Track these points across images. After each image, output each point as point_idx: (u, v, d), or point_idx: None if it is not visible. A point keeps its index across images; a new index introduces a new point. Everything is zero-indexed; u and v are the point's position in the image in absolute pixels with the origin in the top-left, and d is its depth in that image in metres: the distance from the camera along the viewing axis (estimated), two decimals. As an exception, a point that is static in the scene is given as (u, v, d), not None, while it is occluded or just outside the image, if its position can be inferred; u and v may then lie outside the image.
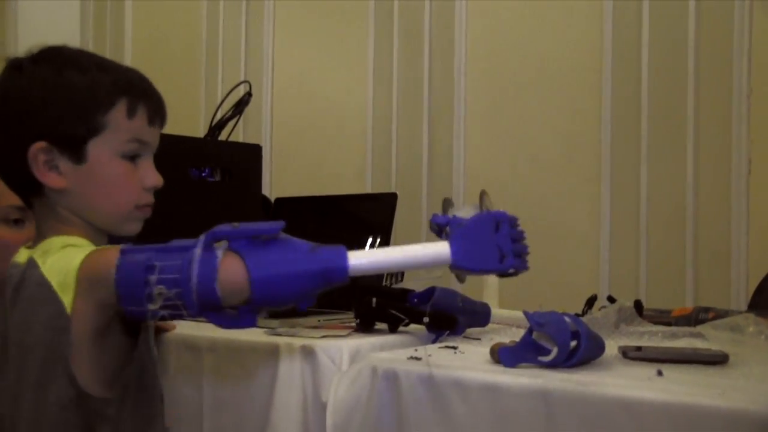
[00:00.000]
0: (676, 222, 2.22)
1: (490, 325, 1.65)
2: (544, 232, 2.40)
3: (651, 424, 1.02)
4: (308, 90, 2.99)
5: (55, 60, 1.10)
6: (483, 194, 1.02)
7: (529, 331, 1.22)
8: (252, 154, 2.27)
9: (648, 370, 1.16)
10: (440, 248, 0.92)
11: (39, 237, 1.10)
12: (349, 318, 1.64)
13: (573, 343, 1.19)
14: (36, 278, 1.02)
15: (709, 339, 1.46)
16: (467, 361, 1.30)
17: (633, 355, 1.28)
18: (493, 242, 0.93)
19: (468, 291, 1.66)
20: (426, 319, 1.53)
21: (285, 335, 1.50)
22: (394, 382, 1.25)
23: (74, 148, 1.07)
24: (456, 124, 2.60)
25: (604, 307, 1.70)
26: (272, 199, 2.29)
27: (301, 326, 1.59)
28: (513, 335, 1.50)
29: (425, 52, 2.68)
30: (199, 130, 2.83)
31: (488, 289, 1.82)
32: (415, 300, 1.57)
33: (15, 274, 1.06)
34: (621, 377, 1.14)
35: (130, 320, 0.97)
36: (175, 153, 2.01)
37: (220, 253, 0.88)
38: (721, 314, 1.63)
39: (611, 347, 1.32)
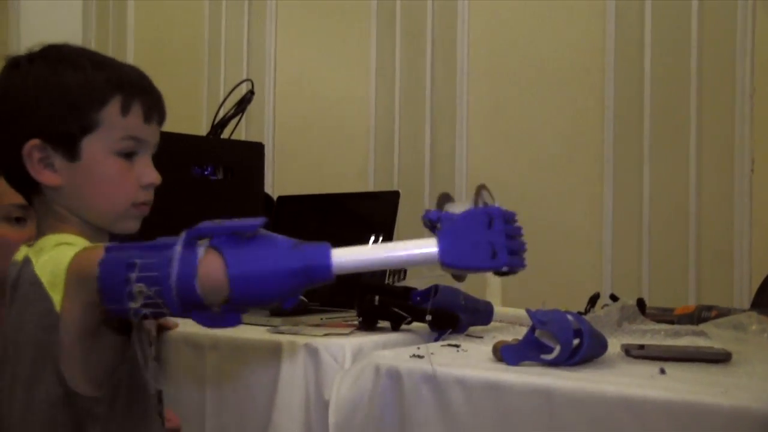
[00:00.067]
0: (679, 220, 2.22)
1: (492, 324, 1.65)
2: (546, 231, 2.40)
3: (654, 422, 1.02)
4: (311, 89, 2.99)
5: (51, 58, 1.10)
6: (480, 189, 0.97)
7: (532, 330, 1.22)
8: (254, 152, 2.27)
9: (651, 369, 1.16)
10: (427, 245, 0.87)
11: (38, 235, 1.10)
12: (352, 316, 1.64)
13: (576, 342, 1.20)
14: (29, 276, 1.02)
15: (711, 337, 1.46)
16: (470, 359, 1.30)
17: (636, 353, 1.28)
18: (484, 239, 0.87)
19: (470, 289, 1.66)
20: (428, 318, 1.53)
21: (288, 333, 1.50)
22: (397, 380, 1.25)
23: (68, 146, 1.07)
24: (458, 123, 2.60)
25: (606, 305, 1.70)
26: (274, 198, 2.29)
27: (303, 324, 1.59)
28: (515, 333, 1.50)
29: (427, 51, 2.68)
30: (201, 128, 2.83)
31: (491, 287, 1.82)
32: (418, 298, 1.57)
33: (13, 272, 1.06)
34: (624, 375, 1.14)
35: (113, 318, 0.96)
36: (177, 151, 2.01)
37: (201, 250, 0.86)
38: (723, 312, 1.63)
39: (614, 345, 1.32)
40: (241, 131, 2.73)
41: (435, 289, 1.56)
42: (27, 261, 1.03)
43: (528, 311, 1.24)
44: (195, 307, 0.87)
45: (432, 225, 0.88)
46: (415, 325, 1.55)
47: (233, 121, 2.29)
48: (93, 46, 3.48)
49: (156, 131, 1.13)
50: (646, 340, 1.43)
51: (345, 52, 2.90)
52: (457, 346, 1.41)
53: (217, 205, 2.08)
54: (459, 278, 1.04)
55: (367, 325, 1.56)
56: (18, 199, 1.19)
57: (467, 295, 1.61)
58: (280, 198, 2.24)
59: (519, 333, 1.43)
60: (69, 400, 1.00)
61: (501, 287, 1.82)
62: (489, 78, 2.58)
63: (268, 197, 2.35)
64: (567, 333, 1.19)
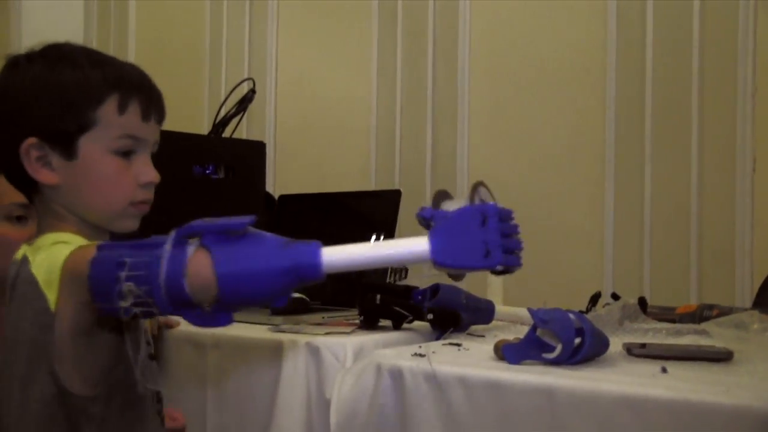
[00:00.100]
0: (681, 220, 2.22)
1: (494, 322, 1.65)
2: (548, 230, 2.40)
3: (655, 421, 1.02)
4: (312, 88, 2.99)
5: (49, 57, 1.10)
6: (477, 186, 0.94)
7: (533, 328, 1.22)
8: (256, 151, 2.28)
9: (652, 367, 1.16)
10: (419, 243, 0.85)
11: (38, 233, 1.10)
12: (353, 315, 1.64)
13: (577, 340, 1.19)
14: (26, 275, 1.02)
15: (713, 336, 1.46)
16: (471, 358, 1.30)
17: (637, 352, 1.27)
18: (478, 237, 0.84)
19: (472, 288, 1.66)
20: (430, 316, 1.53)
21: (289, 332, 1.50)
22: (398, 378, 1.25)
23: (65, 144, 1.06)
24: (459, 122, 2.60)
25: (608, 304, 1.70)
26: (276, 197, 2.29)
27: (305, 323, 1.59)
28: (517, 332, 1.50)
29: (429, 51, 2.68)
30: (203, 127, 2.83)
31: (492, 286, 1.82)
32: (419, 297, 1.57)
33: (13, 271, 1.06)
34: (625, 374, 1.14)
35: (106, 317, 0.95)
36: (179, 150, 2.02)
37: (191, 249, 0.85)
38: (725, 311, 1.63)
39: (615, 344, 1.32)
40: (243, 130, 2.74)
41: (436, 287, 1.56)
42: (25, 260, 1.03)
43: (529, 310, 1.24)
44: (184, 305, 0.86)
45: (426, 223, 0.86)
46: (417, 323, 1.55)
47: (234, 120, 2.30)
48: (94, 45, 3.48)
49: (155, 130, 1.12)
50: (647, 339, 1.43)
51: (346, 51, 2.90)
52: (458, 344, 1.41)
53: (219, 204, 2.08)
54: (456, 277, 1.02)
55: (369, 323, 1.56)
56: (19, 198, 1.19)
57: (468, 294, 1.61)
58: (281, 197, 2.24)
59: (520, 332, 1.43)
60: (63, 399, 0.99)
61: (502, 286, 1.82)
62: (490, 77, 2.58)
63: (269, 196, 2.35)
64: (569, 332, 1.19)
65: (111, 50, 3.37)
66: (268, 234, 0.87)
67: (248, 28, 3.14)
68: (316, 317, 1.65)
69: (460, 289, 1.60)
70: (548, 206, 2.42)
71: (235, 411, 1.51)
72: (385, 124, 2.76)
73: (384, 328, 1.55)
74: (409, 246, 0.85)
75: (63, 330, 0.97)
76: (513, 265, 0.87)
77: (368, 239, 1.77)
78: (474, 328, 1.59)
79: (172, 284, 0.84)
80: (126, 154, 1.09)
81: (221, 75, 3.18)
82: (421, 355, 1.28)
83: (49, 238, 1.05)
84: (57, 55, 1.09)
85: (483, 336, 1.52)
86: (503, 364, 1.21)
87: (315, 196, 2.17)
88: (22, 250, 1.07)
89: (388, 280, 1.80)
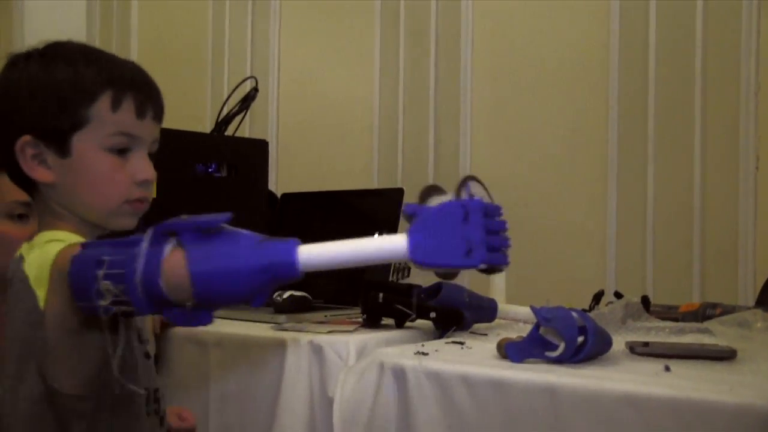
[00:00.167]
0: (683, 218, 2.22)
1: (496, 321, 1.65)
2: (551, 229, 2.40)
3: (658, 419, 1.02)
4: (315, 87, 2.99)
5: (46, 55, 1.09)
6: (466, 180, 0.88)
7: (536, 327, 1.22)
8: (258, 149, 2.28)
9: (655, 366, 1.16)
10: (397, 241, 0.81)
11: (38, 232, 1.10)
12: (356, 313, 1.64)
13: (580, 339, 1.19)
14: (19, 273, 1.01)
15: (716, 335, 1.46)
16: (474, 356, 1.30)
17: (640, 350, 1.27)
18: (459, 234, 0.80)
19: (475, 286, 1.66)
20: (433, 315, 1.53)
21: (292, 330, 1.50)
22: (401, 377, 1.25)
23: (59, 142, 1.06)
24: (462, 121, 2.60)
25: (611, 302, 1.70)
26: (278, 195, 2.29)
27: (307, 321, 1.59)
28: (520, 331, 1.50)
29: (431, 50, 2.67)
30: (205, 125, 2.83)
31: (495, 284, 1.82)
32: (422, 295, 1.57)
33: (12, 268, 1.06)
34: (628, 373, 1.14)
35: (86, 314, 0.94)
36: (181, 148, 2.02)
37: (168, 247, 0.84)
38: (728, 310, 1.63)
39: (618, 343, 1.32)
40: (245, 129, 2.74)
41: (439, 286, 1.55)
42: (20, 258, 1.03)
43: (532, 308, 1.24)
44: (162, 304, 0.84)
45: (410, 219, 0.83)
46: (420, 322, 1.55)
47: (237, 119, 2.29)
48: (97, 45, 3.47)
49: (151, 127, 1.11)
50: (650, 338, 1.43)
51: (349, 50, 2.90)
52: (461, 343, 1.41)
53: (221, 202, 2.08)
54: (446, 276, 0.99)
55: (372, 322, 1.56)
56: (21, 196, 1.19)
57: (471, 293, 1.61)
58: (284, 195, 2.24)
59: (523, 330, 1.43)
60: (52, 397, 0.99)
61: (505, 284, 1.82)
62: (493, 77, 2.58)
63: (272, 194, 2.35)
64: (572, 330, 1.19)
65: (114, 49, 3.36)
66: (245, 231, 0.85)
67: (251, 27, 3.14)
68: (319, 315, 1.65)
69: (462, 288, 1.60)
70: (551, 205, 2.42)
71: (237, 409, 1.51)
72: (387, 122, 2.76)
73: (387, 327, 1.55)
74: (387, 243, 0.82)
75: (52, 328, 0.95)
76: (498, 263, 0.82)
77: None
78: (477, 326, 1.59)
79: (148, 283, 0.82)
80: (121, 151, 1.08)
81: (224, 73, 3.18)
82: (424, 354, 1.28)
83: (45, 236, 1.05)
84: (53, 53, 1.09)
85: (486, 334, 1.52)
86: (506, 363, 1.21)
87: (317, 194, 2.17)
88: (21, 249, 1.07)
89: (391, 279, 1.79)
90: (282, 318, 1.60)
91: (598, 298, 1.81)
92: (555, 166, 2.44)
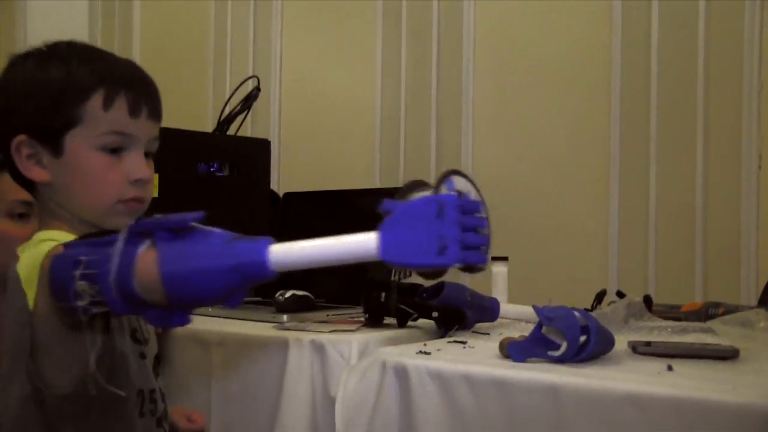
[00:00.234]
0: (686, 217, 2.21)
1: (499, 320, 1.65)
2: (553, 228, 2.40)
3: (660, 419, 1.02)
4: (317, 87, 2.99)
5: (43, 55, 1.09)
6: (448, 174, 0.85)
7: (539, 326, 1.22)
8: (261, 148, 2.28)
9: (658, 365, 1.16)
10: (367, 239, 0.78)
11: (38, 231, 1.10)
12: (358, 313, 1.64)
13: (582, 338, 1.19)
14: (12, 273, 1.01)
15: (719, 334, 1.46)
16: (476, 355, 1.30)
17: (642, 350, 1.27)
18: (432, 231, 0.75)
19: (477, 286, 1.66)
20: (435, 314, 1.53)
21: (294, 330, 1.50)
22: (403, 376, 1.25)
23: (52, 141, 1.06)
24: (464, 121, 2.59)
25: (613, 302, 1.70)
26: (280, 194, 2.29)
27: (310, 321, 1.59)
28: (522, 330, 1.50)
29: (433, 50, 2.67)
30: (207, 125, 2.83)
31: (497, 283, 1.82)
32: (424, 295, 1.57)
33: (10, 268, 1.06)
34: (630, 372, 1.14)
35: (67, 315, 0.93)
36: (183, 148, 2.02)
37: (142, 247, 0.83)
38: (731, 310, 1.63)
39: (621, 342, 1.31)
40: (247, 128, 2.73)
41: (441, 285, 1.55)
42: (16, 257, 1.03)
43: (535, 308, 1.24)
44: (138, 304, 0.83)
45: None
46: (422, 321, 1.55)
47: (239, 118, 2.30)
48: (99, 45, 3.48)
49: (147, 126, 1.10)
50: (652, 337, 1.43)
51: (351, 50, 2.90)
52: (463, 342, 1.41)
53: (224, 201, 2.09)
54: (431, 275, 0.96)
55: (374, 321, 1.56)
56: (22, 195, 1.19)
57: (473, 292, 1.61)
58: (286, 194, 2.24)
59: (525, 330, 1.43)
60: (38, 397, 0.98)
61: (507, 284, 1.82)
62: (494, 76, 2.58)
63: (274, 194, 2.35)
64: (574, 330, 1.18)
65: (116, 49, 3.37)
66: (217, 230, 0.84)
67: (253, 26, 3.14)
68: (321, 315, 1.65)
69: (464, 287, 1.60)
70: (553, 204, 2.42)
71: (239, 409, 1.51)
72: (389, 122, 2.76)
73: (389, 326, 1.55)
74: (357, 242, 0.79)
75: (38, 328, 0.95)
76: (474, 262, 0.77)
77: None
78: (479, 325, 1.59)
79: (122, 283, 0.82)
80: (115, 150, 1.07)
81: (226, 73, 3.18)
82: (426, 353, 1.28)
83: (40, 235, 1.05)
84: (50, 53, 1.09)
85: (488, 334, 1.52)
86: (508, 362, 1.21)
87: (319, 193, 2.17)
88: (19, 248, 1.07)
89: (393, 278, 1.79)
90: (284, 317, 1.60)
91: (600, 297, 1.81)
92: (557, 165, 2.44)
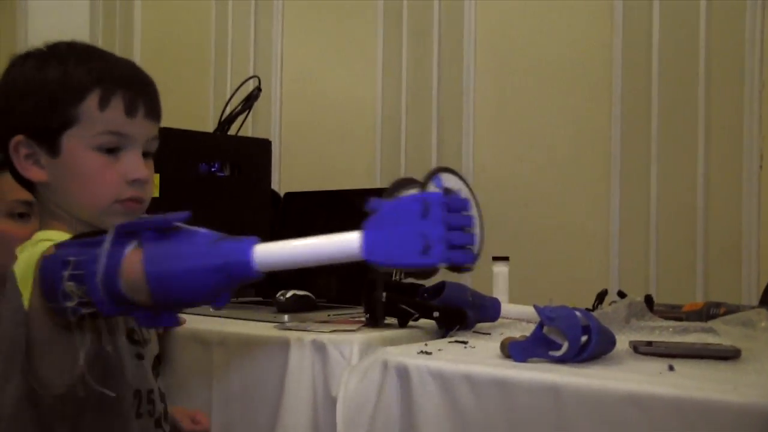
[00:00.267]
0: (687, 217, 2.21)
1: (500, 320, 1.65)
2: (554, 228, 2.40)
3: (662, 419, 1.02)
4: (318, 87, 2.99)
5: (42, 55, 1.09)
6: (436, 172, 0.82)
7: (540, 326, 1.22)
8: (261, 148, 2.28)
9: (659, 365, 1.16)
10: (351, 239, 0.76)
11: (38, 231, 1.10)
12: (359, 312, 1.64)
13: (584, 338, 1.19)
14: (10, 272, 1.02)
15: (720, 334, 1.45)
16: (477, 355, 1.30)
17: (644, 350, 1.27)
18: (415, 229, 0.73)
19: (478, 286, 1.66)
20: (436, 314, 1.53)
21: (295, 330, 1.50)
22: (404, 376, 1.25)
23: (49, 141, 1.06)
24: (465, 121, 2.60)
25: (614, 302, 1.70)
26: (281, 194, 2.29)
27: (311, 321, 1.59)
28: (523, 330, 1.50)
29: (434, 50, 2.67)
30: (208, 125, 2.83)
31: (498, 283, 1.82)
32: (425, 294, 1.57)
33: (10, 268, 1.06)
34: (632, 372, 1.14)
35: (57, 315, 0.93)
36: (184, 148, 2.02)
37: (129, 248, 0.82)
38: (732, 309, 1.63)
39: (622, 342, 1.31)
40: (248, 128, 2.73)
41: (442, 285, 1.55)
42: (15, 257, 1.03)
43: (536, 307, 1.24)
44: (125, 305, 0.83)
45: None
46: (423, 321, 1.55)
47: (240, 118, 2.29)
48: (100, 45, 3.48)
49: (145, 125, 1.10)
50: (654, 337, 1.43)
51: (352, 50, 2.90)
52: (464, 342, 1.41)
53: (224, 201, 2.09)
54: (419, 275, 0.95)
55: (375, 321, 1.56)
56: (23, 195, 1.19)
57: (474, 292, 1.61)
58: (287, 194, 2.23)
59: (527, 329, 1.42)
60: (33, 397, 0.98)
61: (508, 284, 1.82)
62: (495, 76, 2.58)
63: (275, 193, 2.35)
64: (575, 329, 1.18)
65: (117, 49, 3.37)
66: (203, 230, 0.83)
67: (254, 26, 3.14)
68: (322, 315, 1.65)
69: (466, 287, 1.60)
70: (554, 204, 2.42)
71: (240, 408, 1.51)
72: (390, 122, 2.76)
73: (390, 326, 1.55)
74: (341, 242, 0.77)
75: (33, 328, 0.95)
76: (461, 262, 0.75)
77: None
78: (480, 325, 1.59)
79: (108, 284, 0.81)
80: (112, 150, 1.07)
81: (227, 73, 3.18)
82: (427, 353, 1.28)
83: (38, 235, 1.05)
84: (49, 53, 1.09)
85: (489, 334, 1.52)
86: (509, 362, 1.21)
87: (320, 193, 2.17)
88: (19, 248, 1.07)
89: (394, 278, 1.79)
90: (285, 317, 1.60)
91: (601, 297, 1.81)
92: (558, 165, 2.44)
